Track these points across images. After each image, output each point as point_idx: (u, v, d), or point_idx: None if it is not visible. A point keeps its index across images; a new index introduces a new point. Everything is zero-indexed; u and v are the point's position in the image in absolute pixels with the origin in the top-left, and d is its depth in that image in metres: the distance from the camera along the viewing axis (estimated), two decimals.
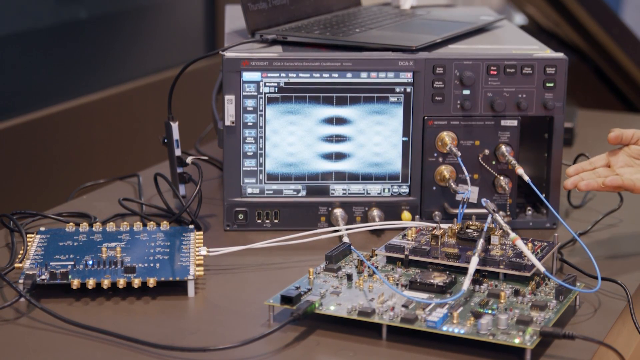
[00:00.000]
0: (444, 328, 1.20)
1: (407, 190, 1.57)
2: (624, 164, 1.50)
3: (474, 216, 1.43)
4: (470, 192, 1.52)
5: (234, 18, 1.77)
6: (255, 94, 1.53)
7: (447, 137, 1.54)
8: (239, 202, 1.56)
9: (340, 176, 1.57)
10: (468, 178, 1.53)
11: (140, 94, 2.57)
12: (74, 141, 2.35)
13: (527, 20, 2.98)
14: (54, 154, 2.30)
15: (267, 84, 1.53)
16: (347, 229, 1.52)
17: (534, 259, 1.29)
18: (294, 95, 1.53)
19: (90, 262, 1.35)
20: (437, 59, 1.53)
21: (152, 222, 1.49)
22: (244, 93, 1.53)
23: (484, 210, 1.36)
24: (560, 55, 1.55)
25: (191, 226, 1.49)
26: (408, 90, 1.54)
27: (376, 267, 1.37)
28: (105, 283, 1.30)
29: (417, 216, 1.54)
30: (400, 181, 1.57)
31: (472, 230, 1.39)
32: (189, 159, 1.58)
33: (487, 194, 1.56)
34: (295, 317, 1.22)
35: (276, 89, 1.53)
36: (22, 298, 1.28)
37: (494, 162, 1.56)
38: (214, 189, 1.73)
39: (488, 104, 1.54)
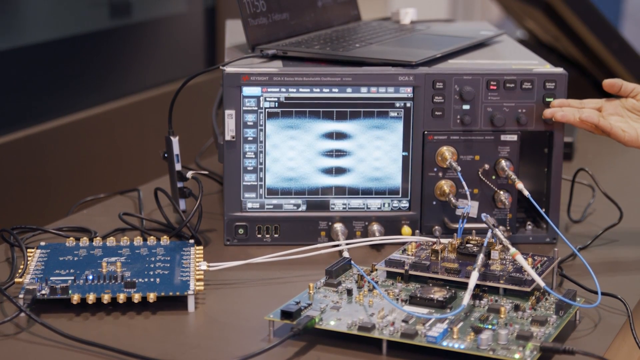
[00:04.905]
0: (444, 343, 1.20)
1: (407, 204, 1.57)
2: (615, 113, 1.50)
3: (474, 231, 1.43)
4: (470, 206, 1.52)
5: (234, 33, 1.78)
6: (256, 108, 1.53)
7: (447, 152, 1.55)
8: (239, 216, 1.56)
9: (340, 191, 1.57)
10: (468, 193, 1.53)
11: (141, 109, 2.57)
12: (74, 156, 2.35)
13: (527, 34, 2.99)
14: (54, 168, 2.30)
15: (268, 99, 1.53)
16: (347, 244, 1.52)
17: (534, 274, 1.29)
18: (294, 110, 1.54)
19: (91, 277, 1.35)
20: (436, 74, 1.54)
21: (152, 237, 1.49)
22: (244, 108, 1.53)
23: (484, 225, 1.36)
24: (560, 70, 1.55)
25: (191, 241, 1.49)
26: (408, 105, 1.55)
27: (376, 282, 1.36)
28: (106, 298, 1.30)
29: (417, 231, 1.54)
30: (400, 196, 1.57)
31: (472, 245, 1.39)
32: (189, 174, 1.58)
33: (487, 208, 1.56)
34: (295, 332, 1.22)
35: (276, 103, 1.53)
36: (22, 313, 1.28)
37: (493, 177, 1.56)
38: (214, 204, 1.73)
39: (488, 118, 1.55)
